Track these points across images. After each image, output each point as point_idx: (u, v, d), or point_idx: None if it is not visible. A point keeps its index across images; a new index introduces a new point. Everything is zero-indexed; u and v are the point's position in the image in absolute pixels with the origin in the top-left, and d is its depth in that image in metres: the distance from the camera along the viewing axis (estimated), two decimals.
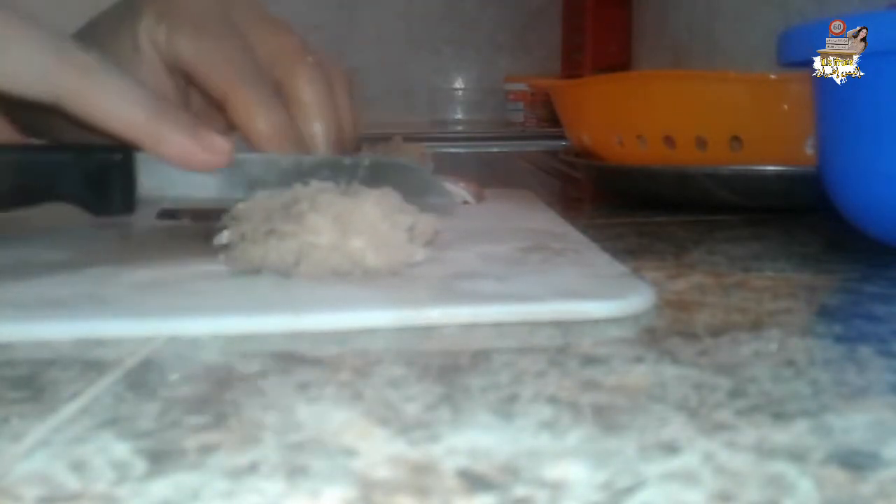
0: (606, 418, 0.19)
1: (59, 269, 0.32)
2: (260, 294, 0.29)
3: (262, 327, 0.26)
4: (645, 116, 0.52)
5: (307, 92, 0.37)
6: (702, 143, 0.49)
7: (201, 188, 0.34)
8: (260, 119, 0.35)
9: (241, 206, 0.32)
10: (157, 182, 0.33)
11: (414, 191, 0.35)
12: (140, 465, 0.17)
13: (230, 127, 0.39)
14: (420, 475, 0.16)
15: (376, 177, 0.35)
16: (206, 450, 0.17)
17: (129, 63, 0.37)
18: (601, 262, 0.33)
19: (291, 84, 0.37)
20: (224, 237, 0.32)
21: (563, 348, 0.24)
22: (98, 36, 0.38)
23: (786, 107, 0.48)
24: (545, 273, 0.31)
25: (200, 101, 0.40)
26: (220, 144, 0.33)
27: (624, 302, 0.27)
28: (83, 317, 0.26)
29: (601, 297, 0.27)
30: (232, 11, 0.38)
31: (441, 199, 0.38)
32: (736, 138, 0.49)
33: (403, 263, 0.31)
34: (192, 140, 0.32)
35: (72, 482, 0.16)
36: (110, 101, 0.31)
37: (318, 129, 0.37)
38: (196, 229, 0.38)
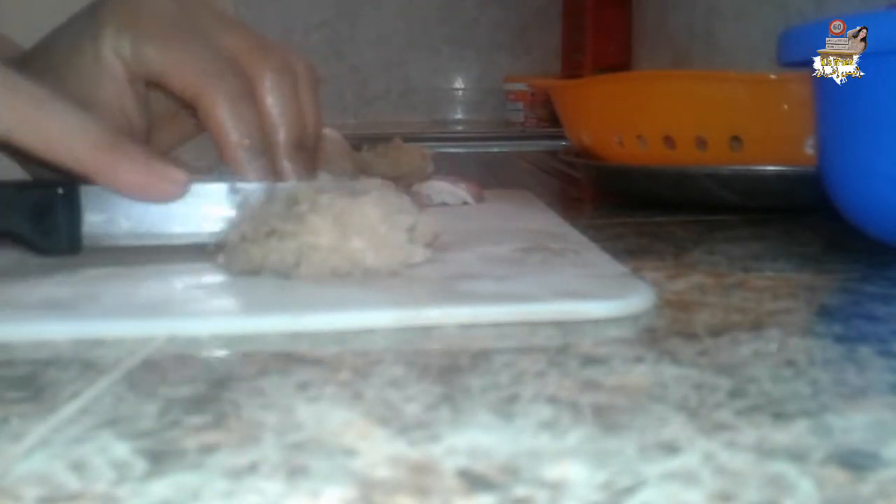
0: (606, 418, 0.19)
1: (59, 270, 0.32)
2: (260, 294, 0.29)
3: (262, 327, 0.26)
4: (645, 116, 0.52)
5: (270, 97, 0.37)
6: (702, 143, 0.49)
7: (157, 223, 0.33)
8: (228, 123, 0.35)
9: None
10: (107, 217, 0.33)
11: None
12: (140, 465, 0.17)
13: (199, 130, 0.39)
14: (420, 475, 0.16)
15: None
16: (206, 450, 0.17)
17: (91, 76, 0.36)
18: (601, 262, 0.33)
19: (256, 89, 0.37)
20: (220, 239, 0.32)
21: (563, 348, 0.24)
22: (58, 49, 0.38)
23: (786, 107, 0.48)
24: (545, 273, 0.31)
25: (167, 107, 0.40)
26: (174, 175, 0.32)
27: (624, 302, 0.27)
28: (83, 317, 0.26)
29: (601, 297, 0.27)
30: (194, 15, 0.38)
31: None
32: (736, 138, 0.49)
33: (403, 264, 0.31)
34: (145, 170, 0.32)
35: (72, 482, 0.16)
36: (59, 132, 0.31)
37: (280, 136, 0.38)
38: None
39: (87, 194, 0.32)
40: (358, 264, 0.30)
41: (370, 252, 0.30)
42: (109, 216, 0.33)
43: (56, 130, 0.31)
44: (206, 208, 0.34)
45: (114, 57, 0.36)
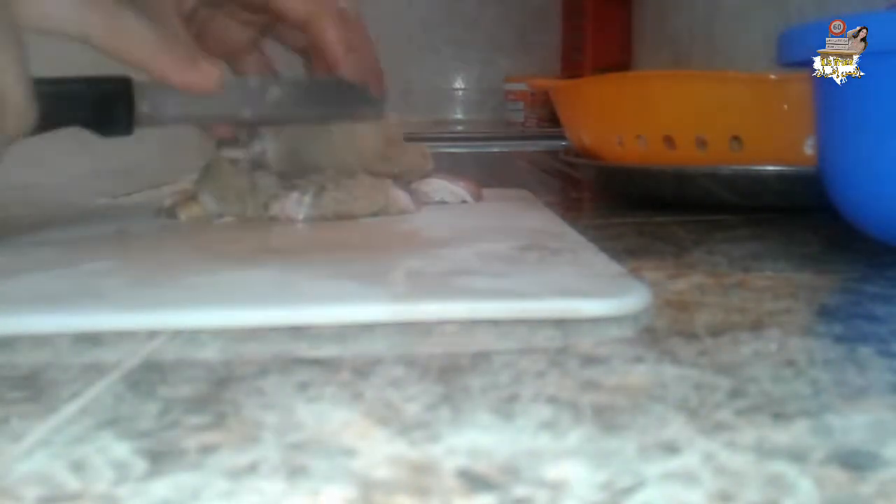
0: (606, 418, 0.19)
1: (57, 266, 0.32)
2: (258, 288, 0.29)
3: (260, 321, 0.26)
4: (645, 116, 0.52)
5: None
6: (702, 143, 0.49)
7: (193, 110, 0.41)
8: (340, 41, 0.44)
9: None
10: (153, 106, 0.40)
11: (347, 103, 0.45)
12: (140, 465, 0.17)
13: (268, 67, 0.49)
14: (420, 475, 0.16)
15: (315, 93, 0.45)
16: (206, 450, 0.17)
17: None
18: (597, 261, 0.33)
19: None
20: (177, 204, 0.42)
21: (563, 348, 0.24)
22: None
23: (786, 107, 0.48)
24: (541, 271, 0.31)
25: (241, 40, 0.47)
26: (213, 73, 0.40)
27: (619, 301, 0.27)
28: (82, 312, 0.26)
29: (596, 295, 0.27)
30: None
31: (372, 108, 0.47)
32: (736, 138, 0.49)
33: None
34: (192, 70, 0.39)
35: (72, 482, 0.16)
36: (129, 40, 0.37)
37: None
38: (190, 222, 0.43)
39: (138, 87, 0.40)
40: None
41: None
42: (156, 104, 0.40)
43: (126, 38, 0.37)
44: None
45: None
